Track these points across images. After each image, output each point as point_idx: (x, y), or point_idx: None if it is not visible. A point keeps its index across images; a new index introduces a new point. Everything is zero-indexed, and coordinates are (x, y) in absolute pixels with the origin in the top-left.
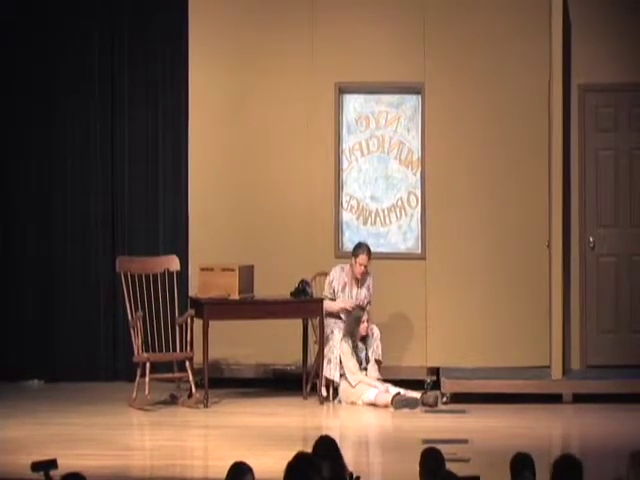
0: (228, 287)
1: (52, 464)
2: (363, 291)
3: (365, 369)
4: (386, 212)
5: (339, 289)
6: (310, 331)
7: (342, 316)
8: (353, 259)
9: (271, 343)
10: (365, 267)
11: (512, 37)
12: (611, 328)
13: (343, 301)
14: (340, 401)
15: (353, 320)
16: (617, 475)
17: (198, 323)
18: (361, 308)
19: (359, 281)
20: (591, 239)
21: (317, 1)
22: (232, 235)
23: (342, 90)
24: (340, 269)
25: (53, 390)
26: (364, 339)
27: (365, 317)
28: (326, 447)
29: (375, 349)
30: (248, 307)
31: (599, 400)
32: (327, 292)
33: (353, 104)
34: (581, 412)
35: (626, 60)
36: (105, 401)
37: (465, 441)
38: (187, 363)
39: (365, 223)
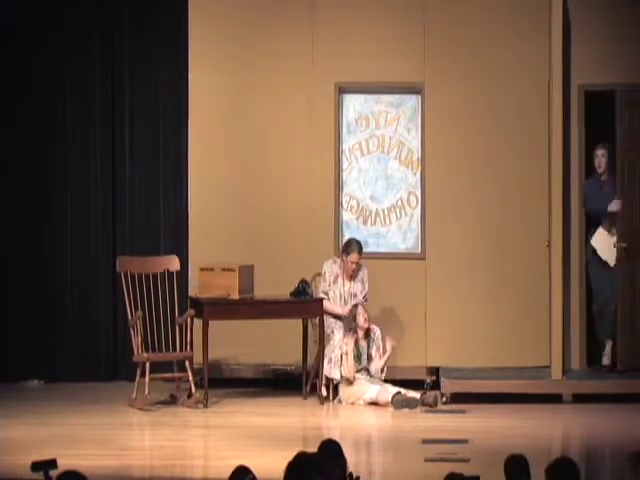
0: (228, 287)
1: (52, 464)
2: (357, 284)
3: (367, 369)
4: (386, 212)
5: (331, 281)
6: (310, 331)
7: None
8: (344, 256)
9: (271, 343)
10: (357, 264)
11: (512, 37)
12: None
13: (342, 308)
14: (340, 401)
15: (350, 315)
16: (617, 475)
17: (198, 323)
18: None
19: (352, 276)
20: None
21: (317, 1)
22: (232, 235)
23: (342, 90)
24: (332, 261)
25: (53, 390)
26: (367, 334)
27: (362, 309)
28: (331, 451)
29: (380, 345)
30: (248, 307)
31: (599, 400)
32: (323, 287)
33: (353, 104)
34: (581, 412)
35: (626, 60)
36: (105, 401)
37: (465, 441)
38: (187, 363)
39: (365, 223)
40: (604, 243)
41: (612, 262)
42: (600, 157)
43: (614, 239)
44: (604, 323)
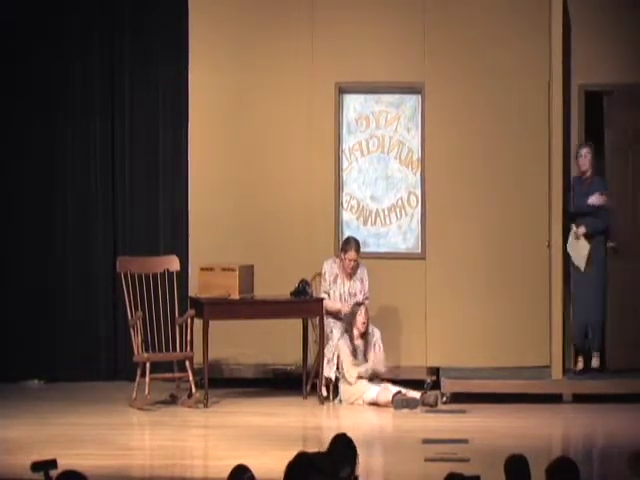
0: (228, 287)
1: (52, 464)
2: (356, 284)
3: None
4: (386, 212)
5: (331, 280)
6: (310, 331)
7: (342, 314)
8: (342, 254)
9: (271, 343)
10: (355, 262)
11: (512, 37)
12: None
13: (342, 304)
14: (340, 401)
15: (351, 313)
16: (617, 475)
17: (198, 323)
18: (359, 304)
19: (351, 274)
20: None
21: (317, 1)
22: (232, 235)
23: (342, 90)
24: (332, 261)
25: (53, 390)
26: (364, 336)
27: (363, 310)
28: (343, 446)
29: (379, 346)
30: (248, 307)
31: (599, 400)
32: (324, 287)
33: (353, 104)
34: (581, 412)
35: (626, 60)
36: (105, 401)
37: (465, 441)
38: (187, 363)
39: (365, 223)
40: (572, 248)
41: (582, 266)
42: (584, 156)
43: (581, 242)
44: (583, 335)
